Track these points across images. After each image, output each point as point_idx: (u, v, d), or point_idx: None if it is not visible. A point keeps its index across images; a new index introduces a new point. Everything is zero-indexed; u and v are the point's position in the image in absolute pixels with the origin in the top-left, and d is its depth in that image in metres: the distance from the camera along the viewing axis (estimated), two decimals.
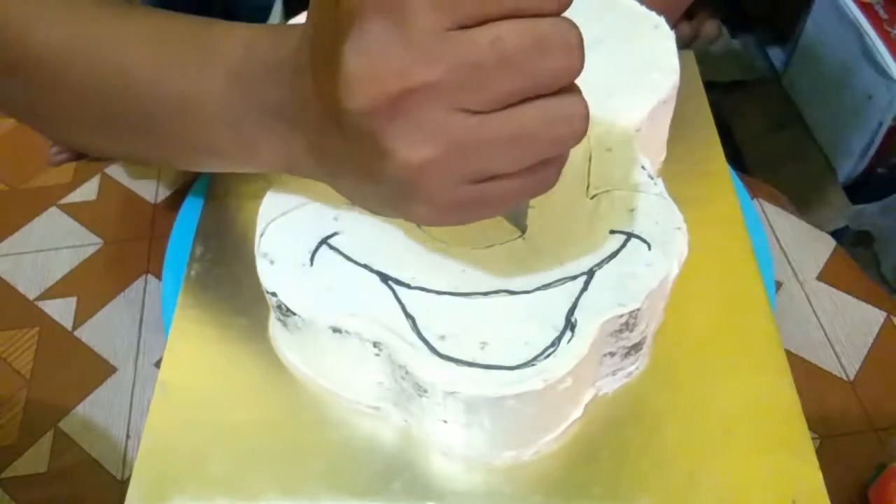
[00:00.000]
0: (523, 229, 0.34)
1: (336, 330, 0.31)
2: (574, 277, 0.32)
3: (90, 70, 0.33)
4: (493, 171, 0.25)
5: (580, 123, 0.25)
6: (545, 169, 0.26)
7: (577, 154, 0.37)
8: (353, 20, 0.24)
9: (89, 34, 0.33)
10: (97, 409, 0.46)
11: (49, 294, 0.52)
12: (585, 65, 0.24)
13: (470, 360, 0.30)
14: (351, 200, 0.31)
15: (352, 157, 0.27)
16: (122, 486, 0.43)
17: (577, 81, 0.26)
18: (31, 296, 0.52)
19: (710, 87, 0.46)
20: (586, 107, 0.25)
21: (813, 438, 0.33)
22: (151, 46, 0.32)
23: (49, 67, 0.33)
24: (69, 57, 0.33)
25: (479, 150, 0.24)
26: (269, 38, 0.30)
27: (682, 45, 0.42)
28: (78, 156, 0.43)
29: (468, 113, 0.24)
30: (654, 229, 0.34)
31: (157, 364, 0.41)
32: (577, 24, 0.24)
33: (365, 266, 0.33)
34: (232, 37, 0.31)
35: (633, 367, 0.34)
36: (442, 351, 0.30)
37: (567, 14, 0.24)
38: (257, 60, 0.30)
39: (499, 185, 0.26)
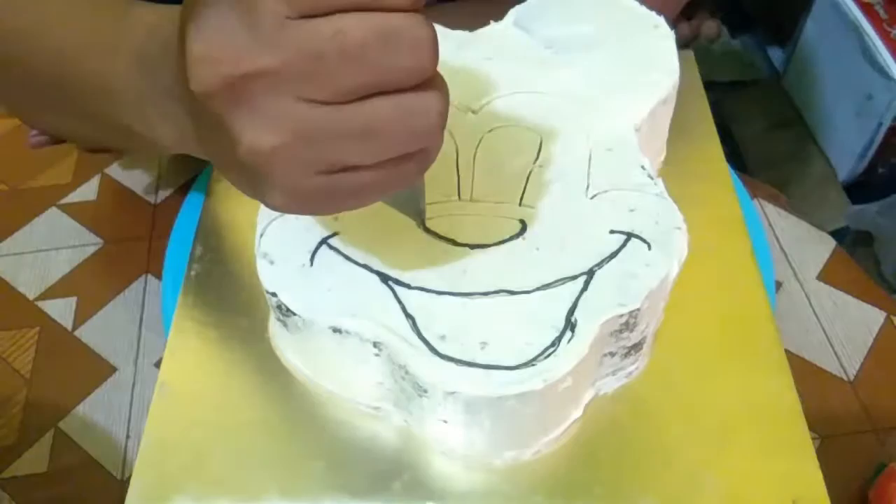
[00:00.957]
0: (422, 220, 0.34)
1: (336, 330, 0.31)
2: (574, 277, 0.32)
3: (32, 50, 0.35)
4: (346, 163, 0.25)
5: (435, 119, 0.25)
6: (405, 163, 0.25)
7: (577, 154, 0.37)
8: (202, 2, 0.24)
9: (31, 13, 0.35)
10: (97, 409, 0.46)
11: (49, 294, 0.52)
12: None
13: (470, 360, 0.30)
14: (234, 185, 0.31)
15: (211, 140, 0.27)
16: (122, 486, 0.43)
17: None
18: (31, 296, 0.52)
19: (710, 87, 0.46)
20: (444, 103, 0.25)
21: (813, 438, 0.33)
22: (78, 24, 0.34)
23: (2, 48, 0.35)
24: (16, 37, 0.35)
25: (327, 140, 0.24)
26: (173, 19, 0.29)
27: (682, 45, 0.42)
28: (57, 141, 0.44)
29: (315, 103, 0.24)
30: (654, 229, 0.34)
31: (157, 364, 0.41)
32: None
33: (365, 266, 0.33)
34: (144, 18, 0.32)
35: (633, 367, 0.34)
36: (442, 351, 0.30)
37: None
38: (157, 41, 0.30)
39: (354, 176, 0.25)
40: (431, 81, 0.24)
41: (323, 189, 0.26)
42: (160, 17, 0.31)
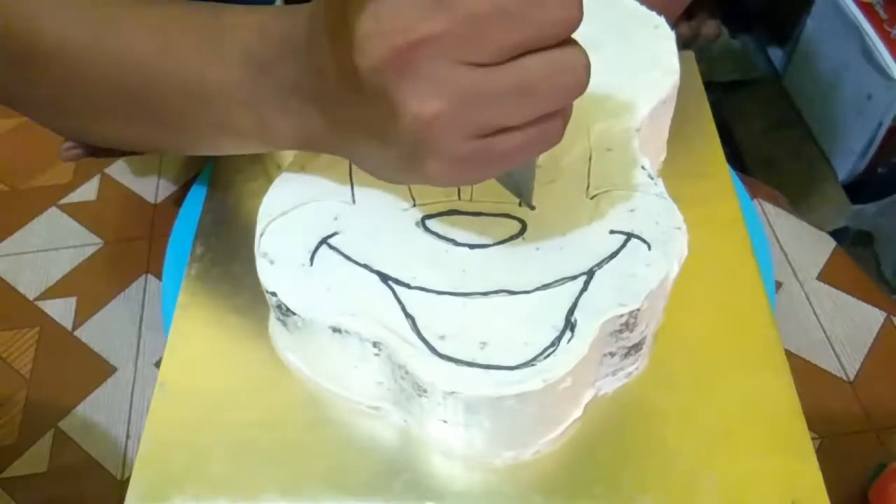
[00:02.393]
0: (529, 203, 0.34)
1: (336, 330, 0.31)
2: (574, 277, 0.32)
3: (108, 63, 0.34)
4: (500, 124, 0.26)
5: (582, 73, 0.25)
6: (550, 121, 0.27)
7: (577, 154, 0.37)
8: None
9: (105, 27, 0.34)
10: (97, 409, 0.46)
11: (49, 294, 0.52)
12: None
13: (470, 360, 0.30)
14: (367, 171, 0.32)
15: (366, 119, 0.28)
16: (122, 486, 0.43)
17: None
18: (31, 296, 0.52)
19: (710, 87, 0.46)
20: (587, 57, 0.26)
21: (813, 438, 0.33)
22: (167, 36, 0.33)
23: (65, 61, 0.34)
24: (86, 51, 0.34)
25: (486, 102, 0.25)
26: (280, 18, 0.31)
27: (682, 45, 0.42)
28: (91, 151, 0.43)
29: (473, 66, 0.25)
30: (654, 229, 0.34)
31: (157, 364, 0.41)
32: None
33: (365, 266, 0.33)
34: (244, 21, 0.32)
35: (633, 367, 0.34)
36: (442, 351, 0.30)
37: None
38: (270, 40, 0.30)
39: (507, 138, 0.26)
40: (572, 38, 0.25)
41: (479, 153, 0.27)
42: (262, 16, 0.31)
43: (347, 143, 0.31)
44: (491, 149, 0.27)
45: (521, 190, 0.34)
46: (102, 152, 0.42)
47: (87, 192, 0.58)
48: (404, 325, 0.31)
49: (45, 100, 0.37)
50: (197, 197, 0.44)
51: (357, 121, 0.29)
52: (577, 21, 0.25)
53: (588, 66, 0.26)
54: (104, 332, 0.50)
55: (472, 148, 0.26)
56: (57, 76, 0.35)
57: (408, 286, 0.32)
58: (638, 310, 0.31)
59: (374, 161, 0.30)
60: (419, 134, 0.26)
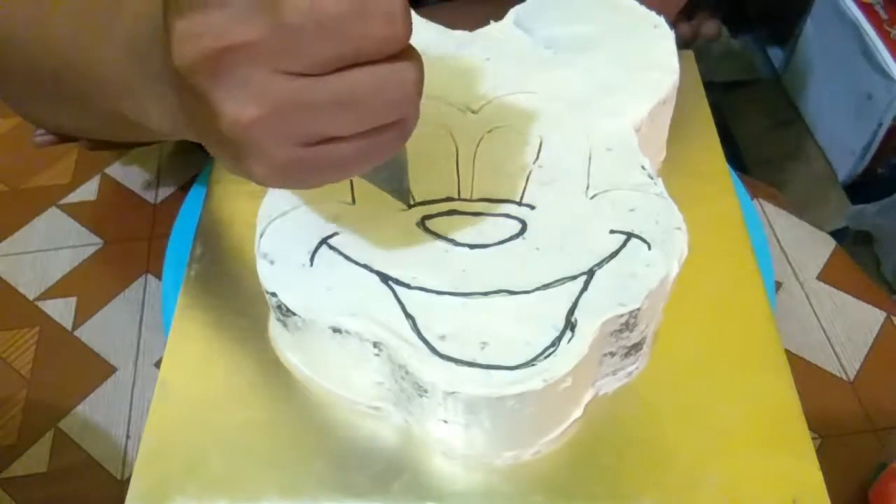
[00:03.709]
0: (406, 200, 0.34)
1: (336, 330, 0.31)
2: (574, 277, 0.32)
3: (33, 42, 0.35)
4: (325, 134, 0.26)
5: (411, 88, 0.25)
6: (384, 133, 0.26)
7: (577, 154, 0.37)
8: None
9: (37, 8, 0.35)
10: (97, 409, 0.46)
11: (49, 294, 0.52)
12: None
13: (470, 360, 0.30)
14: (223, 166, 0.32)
15: (195, 117, 0.28)
16: (122, 486, 0.43)
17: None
18: (31, 296, 0.52)
19: (710, 87, 0.46)
20: (419, 73, 0.26)
21: (813, 438, 0.33)
22: (78, 19, 0.35)
23: (9, 47, 0.36)
24: (22, 32, 0.36)
25: (306, 111, 0.25)
26: (156, 4, 0.30)
27: (682, 45, 0.42)
28: (62, 139, 0.44)
29: (293, 75, 0.25)
30: (654, 229, 0.34)
31: (157, 364, 0.41)
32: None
33: (365, 266, 0.33)
34: (133, 5, 0.32)
35: (633, 367, 0.34)
36: (442, 351, 0.30)
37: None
38: (148, 28, 0.31)
39: (334, 148, 0.26)
40: (406, 52, 0.25)
41: (304, 161, 0.26)
42: (149, 3, 0.31)
43: (196, 134, 0.30)
44: (319, 157, 0.26)
45: (393, 189, 0.34)
46: (74, 139, 0.43)
47: (87, 192, 0.58)
48: (404, 325, 0.31)
49: (9, 87, 0.39)
50: (197, 197, 0.44)
51: (195, 116, 0.28)
52: (402, 38, 0.24)
53: (419, 80, 0.25)
54: (104, 332, 0.50)
55: (296, 155, 0.26)
56: (8, 63, 0.37)
57: (408, 286, 0.32)
58: (638, 310, 0.31)
59: (217, 155, 0.30)
60: (238, 137, 0.26)
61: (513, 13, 0.43)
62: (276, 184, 0.28)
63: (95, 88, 0.35)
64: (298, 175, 0.27)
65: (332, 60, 0.24)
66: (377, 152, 0.27)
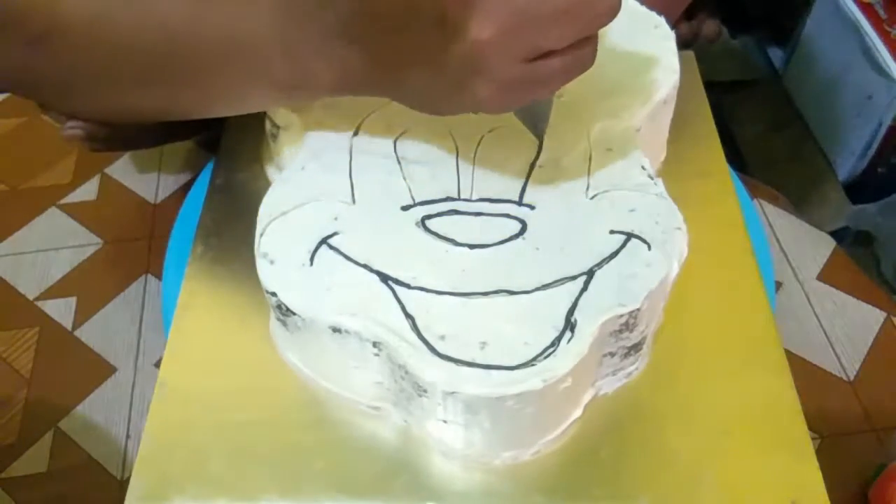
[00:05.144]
0: (541, 136, 0.36)
1: (336, 330, 0.31)
2: (574, 277, 0.32)
3: (127, 27, 0.34)
4: (544, 47, 0.29)
5: (614, 0, 0.28)
6: (584, 47, 0.29)
7: (577, 154, 0.37)
8: None
9: None
10: (97, 409, 0.46)
11: (49, 294, 0.52)
12: None
13: (470, 360, 0.30)
14: (412, 105, 0.33)
15: (419, 50, 0.30)
16: (122, 486, 0.43)
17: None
18: (31, 296, 0.52)
19: (710, 87, 0.46)
20: None
21: (813, 438, 0.33)
22: None
23: (82, 31, 0.34)
24: (103, 18, 0.34)
25: (534, 25, 0.28)
26: None
27: (682, 45, 0.42)
28: (91, 132, 0.43)
29: None
30: (654, 229, 0.34)
31: (157, 364, 0.41)
32: None
33: (365, 266, 0.33)
34: None
35: (633, 367, 0.34)
36: (442, 351, 0.30)
37: None
38: None
39: (549, 62, 0.29)
40: None
41: (525, 76, 0.29)
42: None
43: (392, 79, 0.32)
44: (536, 72, 0.29)
45: (537, 122, 0.36)
46: (103, 134, 0.41)
47: (87, 191, 0.58)
48: (404, 325, 0.31)
49: (60, 76, 0.37)
50: (197, 197, 0.44)
51: (407, 54, 0.30)
52: None
53: None
54: (104, 332, 0.50)
55: (519, 71, 0.29)
56: (80, 45, 0.34)
57: (408, 286, 0.32)
58: (638, 310, 0.31)
59: (420, 93, 0.32)
60: (475, 57, 0.28)
61: None
62: (495, 104, 0.31)
63: (224, 61, 0.34)
64: (518, 91, 0.30)
65: None
66: (578, 66, 0.30)
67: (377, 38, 0.30)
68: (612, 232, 0.34)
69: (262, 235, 0.34)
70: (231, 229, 0.40)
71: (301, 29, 0.32)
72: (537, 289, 0.32)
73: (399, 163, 0.36)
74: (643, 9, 0.43)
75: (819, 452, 0.32)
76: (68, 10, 0.34)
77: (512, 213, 0.35)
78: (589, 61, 0.30)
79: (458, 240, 0.34)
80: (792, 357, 0.46)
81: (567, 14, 0.28)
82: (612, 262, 0.33)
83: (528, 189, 0.36)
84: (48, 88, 0.38)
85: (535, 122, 0.36)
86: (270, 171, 0.42)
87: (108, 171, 0.59)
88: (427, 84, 0.31)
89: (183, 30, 0.33)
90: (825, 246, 0.54)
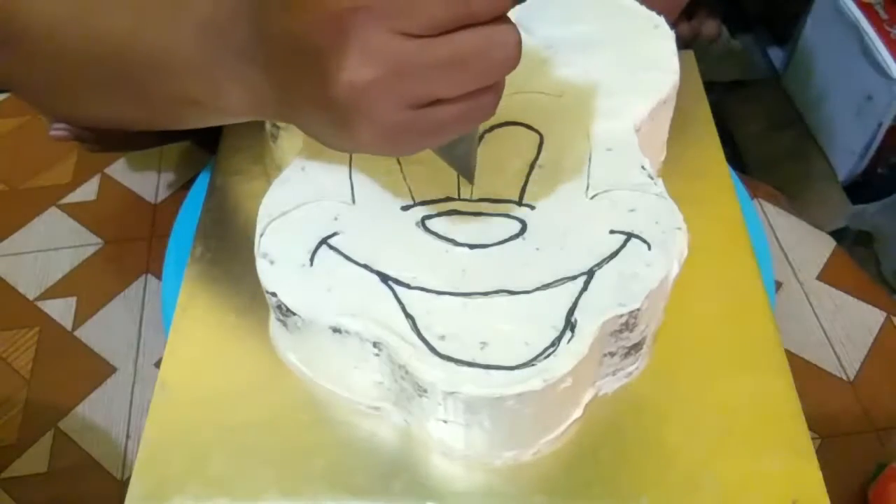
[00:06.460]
0: (470, 179, 0.34)
1: (336, 330, 0.31)
2: (574, 277, 0.32)
3: (78, 39, 0.34)
4: (433, 95, 0.27)
5: (513, 50, 0.26)
6: (483, 96, 0.27)
7: (577, 154, 0.37)
8: None
9: (76, 2, 0.34)
10: (97, 409, 0.46)
11: (49, 294, 0.52)
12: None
13: (470, 360, 0.30)
14: (311, 136, 0.32)
15: (305, 84, 0.28)
16: (122, 486, 0.43)
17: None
18: (31, 296, 0.52)
19: (710, 87, 0.46)
20: (518, 34, 0.27)
21: (813, 438, 0.33)
22: (131, 7, 0.34)
23: (37, 41, 0.35)
24: (56, 31, 0.34)
25: (419, 72, 0.26)
26: None
27: (682, 45, 0.42)
28: (77, 134, 0.43)
29: (408, 37, 0.25)
30: (654, 229, 0.34)
31: (157, 364, 0.41)
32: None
33: (365, 266, 0.33)
34: None
35: (633, 367, 0.34)
36: (442, 351, 0.30)
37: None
38: (224, 6, 0.31)
39: (439, 110, 0.27)
40: (505, 16, 0.27)
41: (410, 124, 0.27)
42: None
43: (291, 108, 0.31)
44: (424, 120, 0.27)
45: (462, 166, 0.34)
46: (88, 136, 0.42)
47: (87, 191, 0.58)
48: (404, 325, 0.31)
49: (38, 80, 0.38)
50: (197, 197, 0.44)
51: (298, 85, 0.29)
52: (508, 1, 0.26)
53: (519, 43, 0.26)
54: (104, 332, 0.50)
55: (404, 118, 0.27)
56: (47, 54, 0.35)
57: (408, 286, 0.32)
58: (638, 310, 0.31)
59: (314, 127, 0.31)
60: (352, 100, 0.27)
61: (513, 13, 0.42)
62: (379, 149, 0.29)
63: (161, 75, 0.34)
64: (403, 138, 0.28)
65: (446, 21, 0.25)
66: (475, 115, 0.28)
67: (274, 65, 0.29)
68: (612, 232, 0.34)
69: (261, 236, 0.34)
70: (231, 229, 0.40)
71: (216, 48, 0.31)
72: (537, 289, 0.32)
73: (399, 162, 0.36)
74: (643, 9, 0.43)
75: (819, 452, 0.32)
76: (24, 21, 0.34)
77: (512, 213, 0.35)
78: (490, 110, 0.28)
79: (459, 240, 0.34)
80: (792, 357, 0.46)
81: (458, 64, 0.26)
82: (613, 262, 0.33)
83: (529, 189, 0.36)
84: (29, 90, 0.39)
85: (458, 162, 0.34)
86: (270, 171, 0.42)
87: (108, 171, 0.59)
88: (317, 118, 0.29)
89: (124, 43, 0.34)
90: (825, 246, 0.54)
